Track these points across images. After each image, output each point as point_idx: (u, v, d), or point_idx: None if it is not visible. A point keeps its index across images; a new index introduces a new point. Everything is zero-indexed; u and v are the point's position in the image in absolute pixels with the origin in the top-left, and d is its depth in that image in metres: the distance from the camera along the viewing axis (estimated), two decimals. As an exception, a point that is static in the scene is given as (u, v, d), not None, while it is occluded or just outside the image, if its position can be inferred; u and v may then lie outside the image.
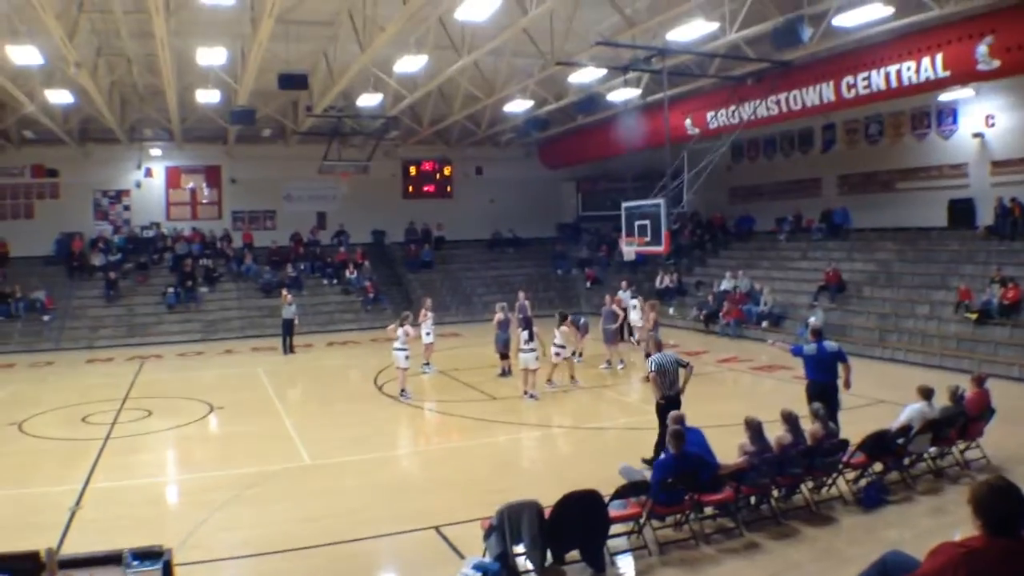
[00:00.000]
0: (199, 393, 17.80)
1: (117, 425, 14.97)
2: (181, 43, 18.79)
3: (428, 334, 20.09)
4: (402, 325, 17.04)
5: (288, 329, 24.20)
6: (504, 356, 19.16)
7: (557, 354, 17.11)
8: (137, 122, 29.47)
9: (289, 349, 24.08)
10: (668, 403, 11.14)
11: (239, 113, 23.32)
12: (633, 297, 22.30)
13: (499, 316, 19.05)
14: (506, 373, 19.01)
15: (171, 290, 29.21)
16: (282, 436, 14.02)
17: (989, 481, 4.19)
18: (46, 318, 27.26)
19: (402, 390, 16.98)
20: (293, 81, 20.36)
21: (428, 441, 14.71)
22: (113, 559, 5.86)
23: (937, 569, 3.94)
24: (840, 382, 11.72)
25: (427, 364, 20.14)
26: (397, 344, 16.93)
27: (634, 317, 21.38)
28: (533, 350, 16.31)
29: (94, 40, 18.94)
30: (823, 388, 11.58)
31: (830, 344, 12.05)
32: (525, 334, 16.50)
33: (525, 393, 16.49)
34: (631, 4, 18.13)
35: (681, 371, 11.56)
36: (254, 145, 32.16)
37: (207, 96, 22.10)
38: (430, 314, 20.20)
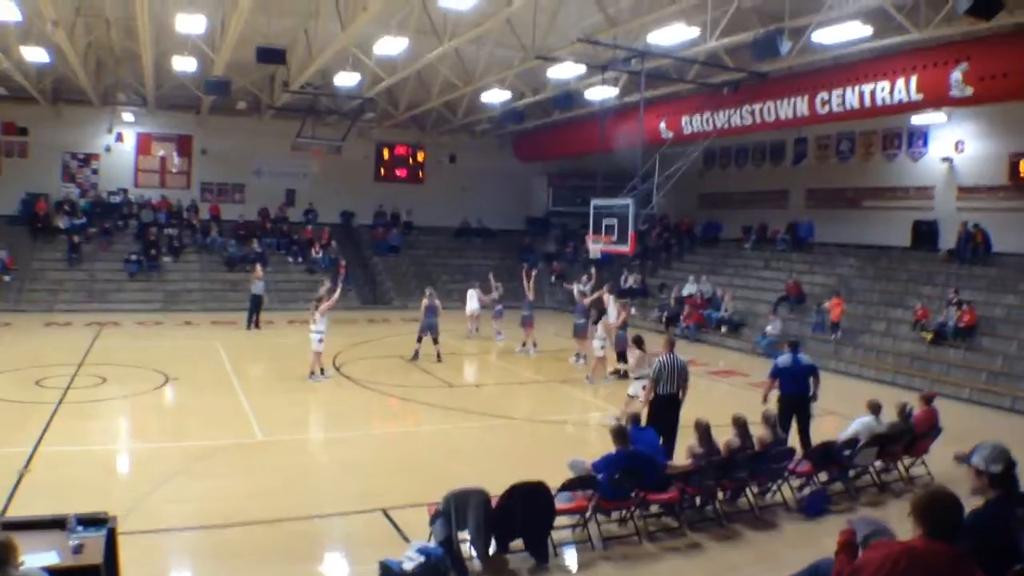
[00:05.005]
0: (155, 363, 17.66)
1: (71, 390, 14.87)
2: (161, 8, 18.56)
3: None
4: (317, 308, 16.94)
5: (256, 304, 24.12)
6: (421, 341, 19.66)
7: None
8: (111, 85, 28.98)
9: (255, 325, 24.00)
10: (659, 402, 11.25)
11: (214, 83, 23.06)
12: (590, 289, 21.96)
13: (425, 302, 19.66)
14: (416, 357, 19.50)
15: (134, 258, 28.88)
16: (236, 411, 13.98)
17: (931, 489, 4.49)
18: (7, 278, 26.82)
19: (321, 370, 17.03)
20: (271, 55, 20.15)
21: (382, 424, 14.68)
22: (58, 523, 5.86)
23: (877, 559, 4.15)
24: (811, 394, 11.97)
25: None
26: (313, 327, 16.83)
27: (611, 314, 21.27)
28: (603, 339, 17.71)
29: (73, -1, 18.69)
30: (798, 401, 11.79)
31: (804, 357, 12.29)
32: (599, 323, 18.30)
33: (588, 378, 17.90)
34: (614, 4, 18.23)
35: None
36: (227, 117, 31.69)
37: (183, 64, 21.83)
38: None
